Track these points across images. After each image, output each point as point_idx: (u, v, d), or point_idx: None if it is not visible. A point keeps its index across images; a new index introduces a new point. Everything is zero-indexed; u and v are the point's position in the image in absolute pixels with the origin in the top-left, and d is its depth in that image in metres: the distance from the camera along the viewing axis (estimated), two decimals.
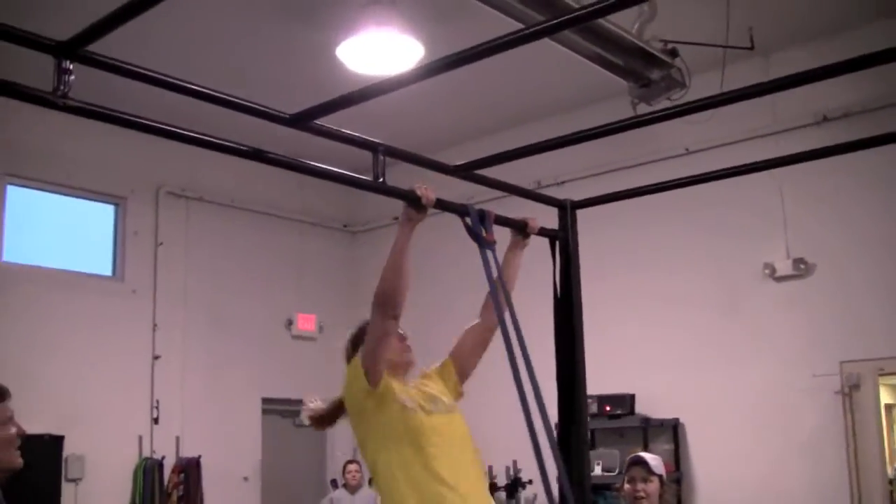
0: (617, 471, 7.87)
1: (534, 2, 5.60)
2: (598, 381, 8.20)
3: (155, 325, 9.65)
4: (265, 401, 10.61)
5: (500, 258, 3.59)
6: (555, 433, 3.18)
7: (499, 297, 3.33)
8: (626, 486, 4.63)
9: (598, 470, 8.22)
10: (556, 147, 3.68)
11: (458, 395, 3.69)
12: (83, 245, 9.62)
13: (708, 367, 8.42)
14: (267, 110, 2.95)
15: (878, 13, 7.60)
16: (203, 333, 10.02)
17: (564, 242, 3.90)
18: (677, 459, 8.51)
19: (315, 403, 3.71)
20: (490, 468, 8.41)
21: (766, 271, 8.16)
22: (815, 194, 7.97)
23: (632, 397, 8.64)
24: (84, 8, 3.29)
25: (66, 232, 9.49)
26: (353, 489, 9.05)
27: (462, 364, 3.73)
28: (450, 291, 8.80)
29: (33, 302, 8.66)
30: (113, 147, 8.99)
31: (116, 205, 9.77)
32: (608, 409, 8.64)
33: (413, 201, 3.24)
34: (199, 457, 9.42)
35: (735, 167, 4.07)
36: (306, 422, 3.70)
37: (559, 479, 3.03)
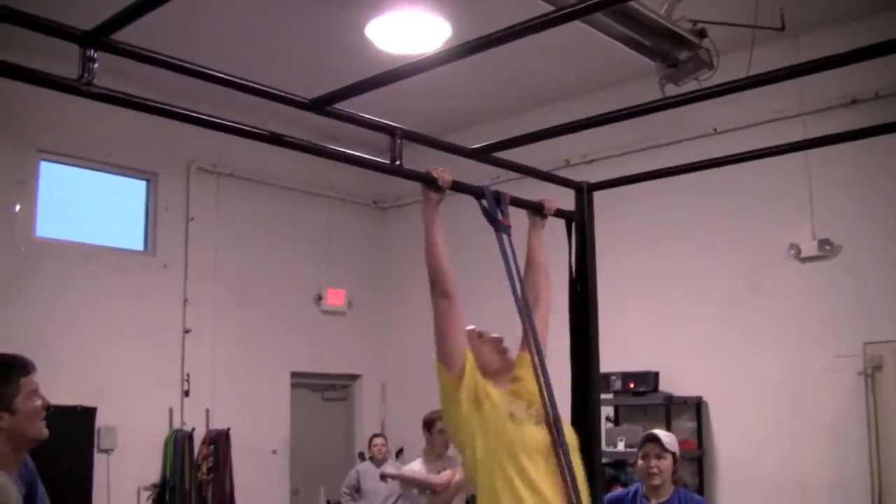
0: None
1: None
2: (623, 358, 8.37)
3: (186, 300, 9.78)
4: (294, 375, 10.74)
5: (516, 241, 3.60)
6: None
7: (514, 281, 3.37)
8: (640, 462, 4.73)
9: (621, 446, 8.28)
10: (576, 130, 3.71)
11: None
12: (115, 221, 9.75)
13: (732, 346, 8.45)
14: (286, 95, 3.01)
15: None
16: (233, 308, 10.15)
17: (581, 224, 3.95)
18: (700, 437, 8.56)
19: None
20: None
21: (791, 252, 8.15)
22: (841, 175, 7.93)
23: (656, 375, 8.67)
24: None
25: (98, 208, 9.61)
26: (378, 462, 9.16)
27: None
28: (471, 277, 8.86)
29: (66, 277, 8.80)
30: (144, 124, 9.02)
31: (148, 181, 9.89)
32: (632, 385, 8.68)
33: (430, 183, 3.32)
34: (229, 429, 9.57)
35: (763, 149, 4.07)
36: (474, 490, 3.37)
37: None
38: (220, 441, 9.51)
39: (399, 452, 10.46)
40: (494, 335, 3.50)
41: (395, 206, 11.60)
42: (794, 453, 7.96)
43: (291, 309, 10.79)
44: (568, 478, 3.14)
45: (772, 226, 8.35)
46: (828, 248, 7.97)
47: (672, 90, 6.87)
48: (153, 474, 9.21)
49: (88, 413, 8.63)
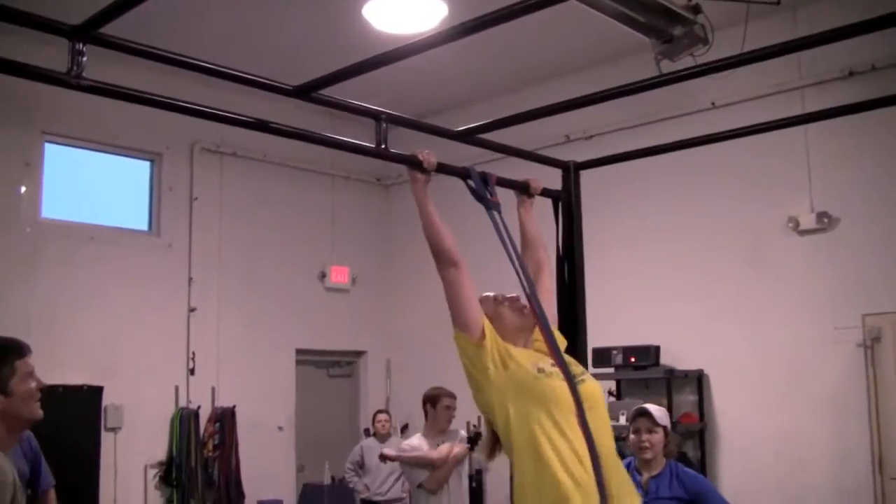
0: None
1: None
2: (624, 332, 8.43)
3: (190, 279, 9.86)
4: (299, 352, 10.82)
5: (507, 219, 3.64)
6: None
7: (512, 256, 3.41)
8: (632, 436, 4.79)
9: (622, 420, 8.33)
10: (571, 108, 3.76)
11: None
12: (120, 201, 9.82)
13: (732, 319, 8.50)
14: (269, 82, 3.07)
15: None
16: (238, 286, 10.23)
17: (567, 203, 3.99)
18: (701, 410, 8.62)
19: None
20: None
21: (790, 225, 8.17)
22: (839, 148, 7.96)
23: (657, 349, 8.71)
24: None
25: (102, 188, 9.69)
26: (382, 438, 9.25)
27: None
28: (468, 257, 8.89)
29: (71, 257, 8.89)
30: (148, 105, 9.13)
31: (152, 161, 9.95)
32: (633, 360, 8.72)
33: (415, 165, 3.38)
34: (234, 407, 9.66)
35: (760, 124, 4.10)
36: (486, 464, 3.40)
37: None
38: (225, 418, 9.60)
39: (404, 428, 10.53)
40: (510, 295, 3.48)
41: (397, 182, 11.60)
42: (794, 425, 8.02)
43: (296, 286, 10.85)
44: (590, 432, 3.15)
45: (770, 199, 8.36)
46: (826, 220, 8.00)
47: (668, 66, 6.89)
48: (160, 452, 9.32)
49: (95, 392, 8.73)
